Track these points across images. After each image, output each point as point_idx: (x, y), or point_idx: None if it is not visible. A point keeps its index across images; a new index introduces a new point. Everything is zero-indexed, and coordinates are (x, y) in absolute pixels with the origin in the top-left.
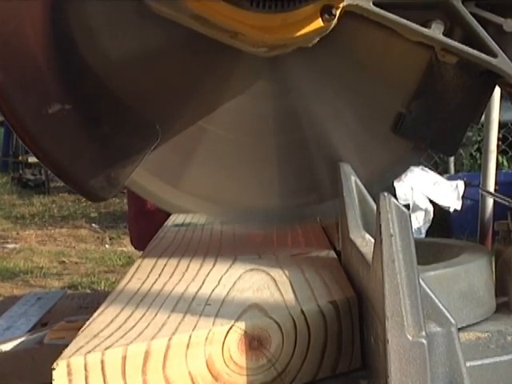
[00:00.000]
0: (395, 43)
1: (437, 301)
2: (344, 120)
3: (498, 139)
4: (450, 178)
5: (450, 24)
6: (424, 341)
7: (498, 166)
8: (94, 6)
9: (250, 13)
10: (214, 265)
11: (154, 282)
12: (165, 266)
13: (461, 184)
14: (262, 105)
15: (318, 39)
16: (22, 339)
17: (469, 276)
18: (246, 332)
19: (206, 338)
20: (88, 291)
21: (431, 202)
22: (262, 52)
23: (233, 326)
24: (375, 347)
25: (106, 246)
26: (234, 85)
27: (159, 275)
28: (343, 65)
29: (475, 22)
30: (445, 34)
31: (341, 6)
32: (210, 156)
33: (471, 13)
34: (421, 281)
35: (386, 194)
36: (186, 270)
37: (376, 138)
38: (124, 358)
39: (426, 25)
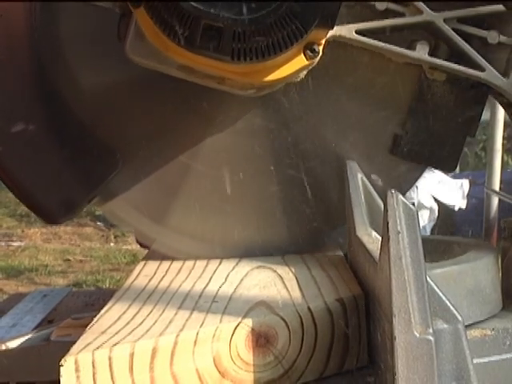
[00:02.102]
0: (383, 65)
1: (444, 298)
2: (344, 146)
3: (503, 138)
4: (454, 177)
5: (435, 42)
6: (431, 338)
7: (503, 164)
8: (69, 32)
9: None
10: (220, 262)
11: (161, 279)
12: (171, 263)
13: (466, 183)
14: (257, 141)
15: (305, 73)
16: (29, 336)
17: (475, 273)
18: (253, 329)
19: (214, 335)
20: (93, 289)
21: (436, 200)
22: (251, 94)
23: (240, 323)
24: (382, 344)
25: (111, 243)
26: (219, 122)
27: (166, 272)
28: (334, 91)
29: (459, 38)
30: (431, 53)
31: (323, 41)
32: (196, 194)
33: (454, 29)
34: (428, 278)
35: (393, 191)
36: (193, 268)
37: (377, 160)
38: (131, 355)
39: (411, 46)
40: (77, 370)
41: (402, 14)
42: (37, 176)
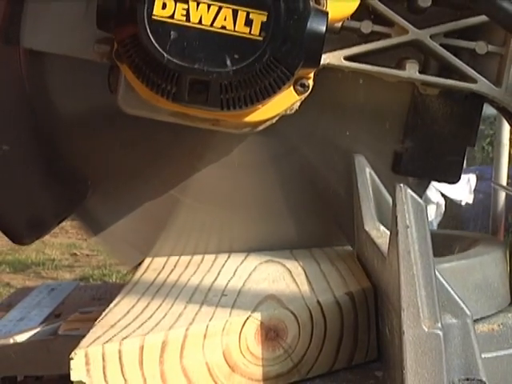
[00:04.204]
0: (377, 83)
1: (452, 292)
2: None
3: (511, 132)
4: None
5: (424, 58)
6: (440, 332)
7: (510, 159)
8: (51, 60)
9: None
10: (229, 256)
11: (170, 273)
12: (180, 257)
13: (473, 177)
14: (255, 174)
15: (298, 104)
16: (36, 330)
17: (484, 268)
18: (262, 323)
19: (223, 329)
20: (100, 283)
21: (443, 195)
22: (247, 132)
23: (249, 316)
24: (391, 339)
25: None
26: (209, 156)
27: (174, 266)
28: (331, 113)
29: (447, 53)
30: (421, 70)
31: (311, 75)
32: (185, 228)
33: (442, 44)
34: (436, 272)
35: (401, 185)
36: (202, 262)
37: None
38: (141, 348)
39: (400, 64)
40: (87, 363)
41: (388, 35)
42: (6, 195)
